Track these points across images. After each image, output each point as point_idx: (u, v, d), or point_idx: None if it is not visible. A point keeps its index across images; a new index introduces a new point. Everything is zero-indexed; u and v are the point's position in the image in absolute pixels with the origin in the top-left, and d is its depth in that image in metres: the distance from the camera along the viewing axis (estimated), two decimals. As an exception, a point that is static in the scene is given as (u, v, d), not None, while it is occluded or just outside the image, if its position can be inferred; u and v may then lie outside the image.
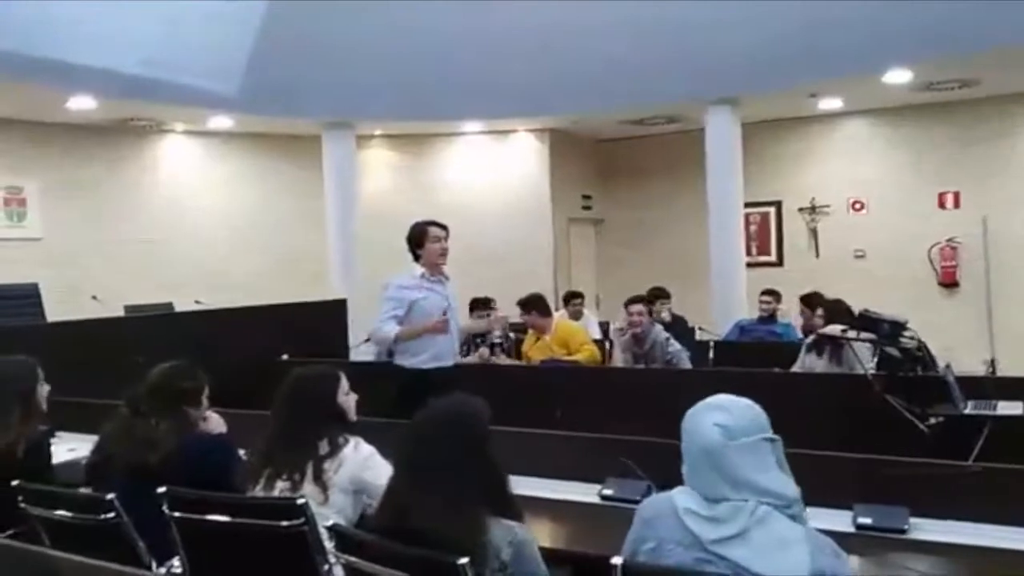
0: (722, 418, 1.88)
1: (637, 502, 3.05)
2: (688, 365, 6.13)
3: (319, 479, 2.61)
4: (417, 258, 4.89)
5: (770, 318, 7.42)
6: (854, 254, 10.12)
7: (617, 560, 1.82)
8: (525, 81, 8.91)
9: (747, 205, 9.51)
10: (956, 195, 9.66)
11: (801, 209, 10.51)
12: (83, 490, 3.01)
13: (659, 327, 6.19)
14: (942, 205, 9.75)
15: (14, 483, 2.77)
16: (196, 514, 2.49)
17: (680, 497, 1.92)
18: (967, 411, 4.49)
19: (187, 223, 9.85)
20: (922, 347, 4.73)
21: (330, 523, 2.24)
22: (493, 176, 10.68)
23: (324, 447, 2.68)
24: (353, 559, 2.14)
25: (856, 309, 5.35)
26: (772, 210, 10.71)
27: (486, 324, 6.21)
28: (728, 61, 8.40)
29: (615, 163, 11.75)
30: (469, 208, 9.99)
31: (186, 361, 3.22)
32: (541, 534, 2.59)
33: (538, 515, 2.83)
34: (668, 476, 2.85)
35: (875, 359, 5.30)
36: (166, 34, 7.69)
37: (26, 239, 8.81)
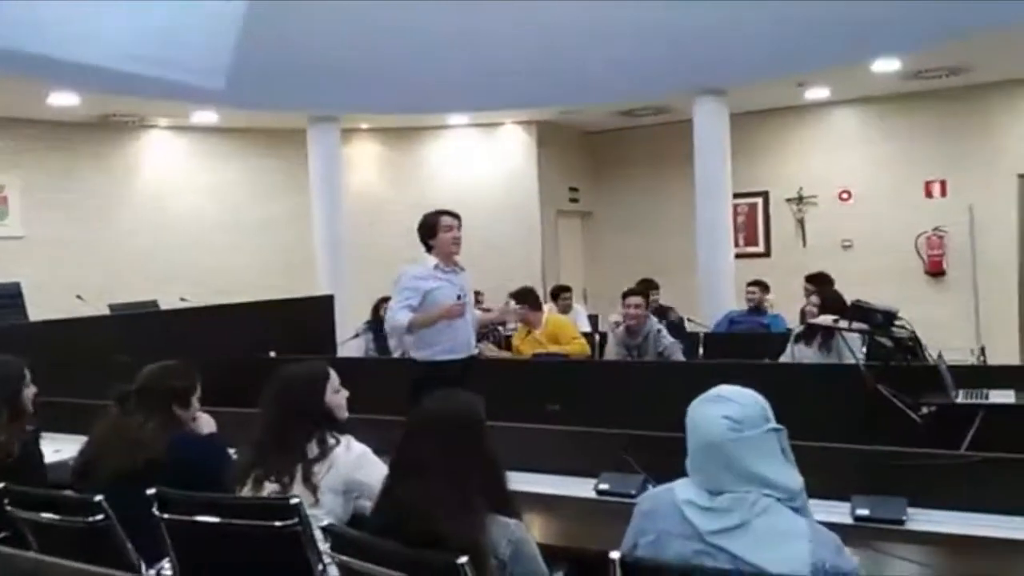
0: (730, 410, 1.86)
1: (633, 496, 3.06)
2: (681, 357, 6.12)
3: (308, 481, 2.55)
4: (429, 249, 4.78)
5: (757, 309, 7.42)
6: (841, 244, 10.14)
7: (615, 555, 1.80)
8: (512, 73, 8.87)
9: (735, 196, 9.50)
10: (943, 184, 9.69)
11: (788, 199, 10.53)
12: (69, 492, 2.96)
13: (653, 319, 6.18)
14: (929, 194, 9.78)
15: (1, 485, 2.72)
16: (186, 515, 2.44)
17: (681, 489, 1.91)
18: (959, 400, 4.50)
19: (171, 219, 9.77)
20: (914, 337, 4.74)
21: (324, 523, 2.21)
22: (480, 169, 10.64)
23: (313, 449, 2.61)
24: (349, 559, 2.11)
25: (844, 299, 5.37)
26: (759, 201, 10.72)
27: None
28: (716, 52, 8.38)
29: (603, 155, 11.74)
30: (456, 201, 9.73)
31: (180, 361, 3.17)
32: (537, 530, 2.57)
33: (533, 511, 2.81)
34: (664, 469, 2.84)
35: (864, 348, 5.32)
36: (149, 28, 7.59)
37: (7, 237, 8.72)
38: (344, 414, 2.82)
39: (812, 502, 1.90)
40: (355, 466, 2.63)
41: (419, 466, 2.09)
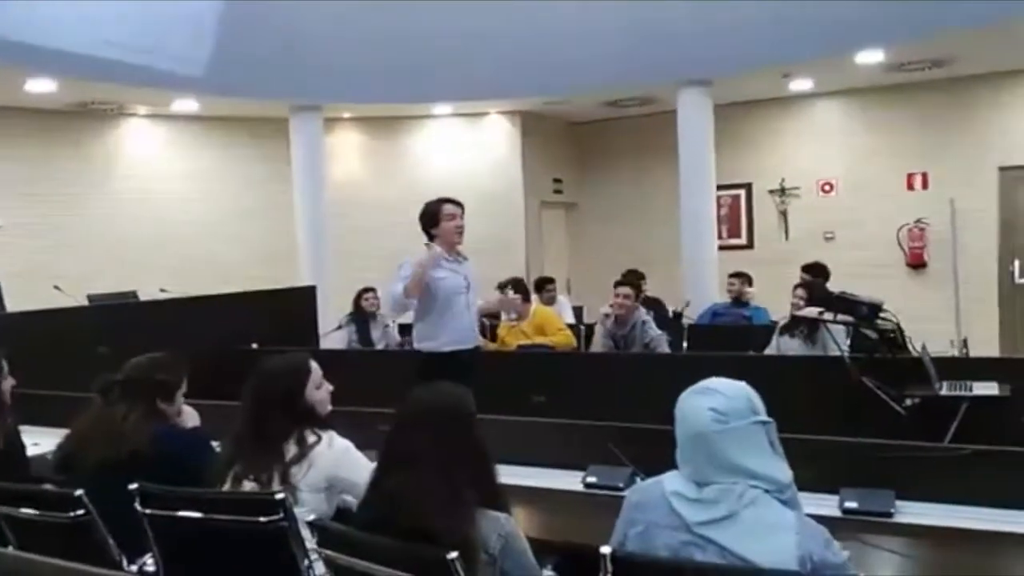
0: (715, 402, 1.86)
1: (621, 489, 3.05)
2: (667, 349, 6.13)
3: (287, 483, 2.49)
4: (432, 238, 4.71)
5: (739, 300, 7.45)
6: (824, 236, 10.16)
7: (606, 549, 1.78)
8: (496, 63, 8.83)
9: (718, 188, 9.49)
10: (924, 176, 9.74)
11: (771, 191, 10.54)
12: (50, 486, 2.90)
13: (642, 310, 6.17)
14: (911, 187, 9.82)
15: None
16: (169, 511, 2.40)
17: (669, 481, 1.91)
18: (943, 392, 4.52)
19: (151, 209, 9.64)
20: (898, 329, 4.76)
21: (310, 518, 2.17)
22: (464, 159, 10.58)
23: (292, 448, 2.55)
24: (336, 554, 2.08)
25: (830, 290, 5.39)
26: (743, 192, 10.73)
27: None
28: (700, 42, 8.36)
29: (587, 146, 11.71)
30: (440, 192, 9.65)
31: (169, 353, 3.12)
32: (525, 524, 2.54)
33: (521, 504, 2.79)
34: (652, 462, 2.83)
35: (848, 340, 5.35)
36: (129, 14, 7.49)
37: (-16, 227, 8.59)
38: (327, 408, 2.76)
39: (800, 495, 1.89)
40: (337, 463, 2.59)
41: (409, 458, 2.06)
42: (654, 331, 6.03)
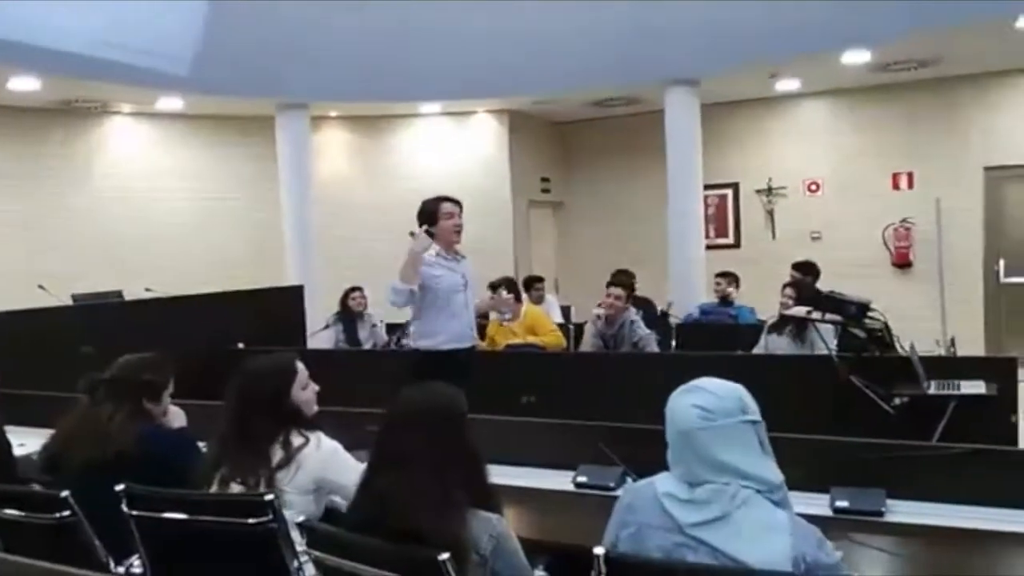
0: (701, 399, 1.86)
1: (611, 488, 3.05)
2: (656, 349, 6.13)
3: (272, 487, 2.45)
4: (430, 236, 4.66)
5: (725, 300, 7.48)
6: (810, 236, 10.19)
7: (599, 550, 1.77)
8: (484, 62, 8.80)
9: (705, 187, 9.50)
10: (910, 176, 9.79)
11: (758, 191, 10.57)
12: (36, 486, 2.87)
13: (632, 309, 6.17)
14: (896, 186, 9.87)
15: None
16: (156, 512, 2.37)
17: (661, 482, 1.90)
18: (932, 391, 4.53)
19: (136, 208, 9.57)
20: (885, 328, 4.78)
21: (300, 520, 2.15)
22: (452, 158, 10.55)
23: (278, 451, 2.52)
24: (325, 556, 2.06)
25: (819, 290, 5.41)
26: (730, 192, 10.76)
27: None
28: (687, 42, 8.38)
29: (574, 146, 11.71)
30: (428, 191, 9.68)
31: (157, 353, 3.09)
32: (515, 524, 2.52)
33: (511, 504, 2.75)
34: (642, 461, 2.83)
35: (835, 339, 5.37)
36: (114, 12, 7.42)
37: (-34, 226, 8.50)
38: (313, 409, 2.73)
39: (791, 494, 1.88)
40: (325, 465, 2.57)
41: (400, 458, 2.04)
42: (643, 330, 6.03)
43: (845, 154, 10.12)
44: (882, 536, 2.53)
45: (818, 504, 2.70)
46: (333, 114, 10.41)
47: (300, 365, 2.75)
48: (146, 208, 9.64)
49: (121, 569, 2.61)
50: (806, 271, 6.63)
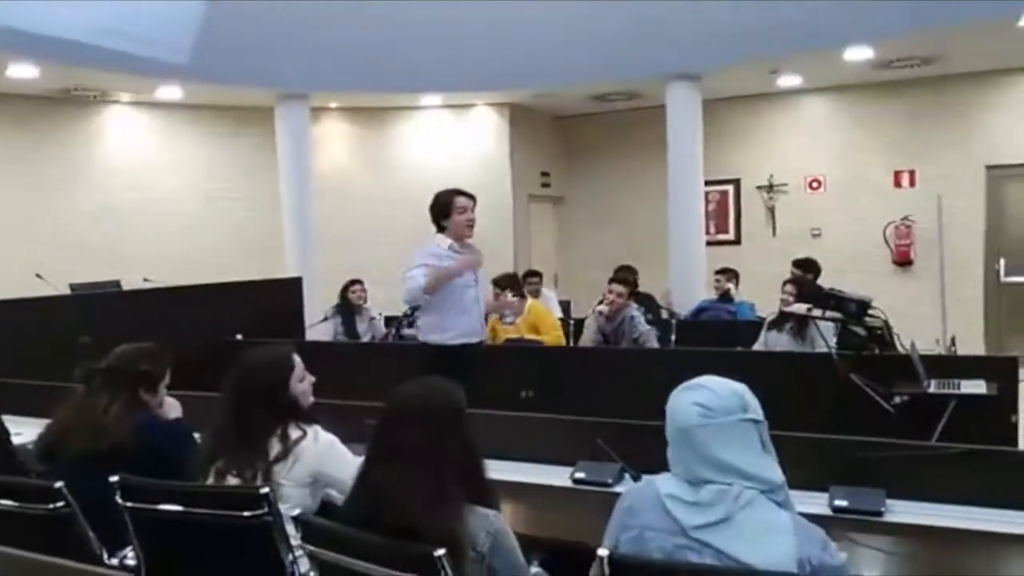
0: (702, 397, 1.83)
1: (609, 485, 3.03)
2: (655, 344, 6.12)
3: (270, 480, 2.45)
4: (442, 229, 4.66)
5: (725, 296, 7.46)
6: (811, 233, 10.17)
7: (603, 552, 1.75)
8: (485, 54, 8.76)
9: (706, 183, 9.47)
10: (911, 173, 9.76)
11: (759, 187, 10.55)
12: (30, 477, 2.85)
13: (633, 305, 6.15)
14: (898, 184, 9.85)
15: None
16: (150, 504, 2.36)
17: (663, 483, 1.87)
18: (932, 390, 4.52)
19: (134, 198, 9.53)
20: (886, 326, 4.76)
21: (295, 513, 2.13)
22: (452, 151, 10.52)
23: (275, 445, 2.51)
24: (320, 550, 2.05)
25: (820, 287, 5.39)
26: (731, 188, 10.73)
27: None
28: (689, 37, 8.34)
29: (575, 140, 11.67)
30: (427, 184, 9.62)
31: (154, 344, 3.07)
32: (513, 519, 2.52)
33: (509, 500, 2.75)
34: (640, 458, 2.82)
35: (835, 336, 5.35)
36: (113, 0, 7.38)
37: (-36, 214, 8.47)
38: (309, 400, 2.72)
39: (789, 493, 1.86)
40: (322, 458, 2.55)
41: (397, 453, 2.03)
42: (643, 326, 6.01)
43: (846, 151, 10.09)
44: (881, 536, 2.51)
45: (817, 503, 2.69)
46: (333, 105, 10.37)
47: (297, 358, 2.73)
48: (144, 198, 9.60)
49: (115, 561, 2.59)
50: (807, 268, 6.62)
